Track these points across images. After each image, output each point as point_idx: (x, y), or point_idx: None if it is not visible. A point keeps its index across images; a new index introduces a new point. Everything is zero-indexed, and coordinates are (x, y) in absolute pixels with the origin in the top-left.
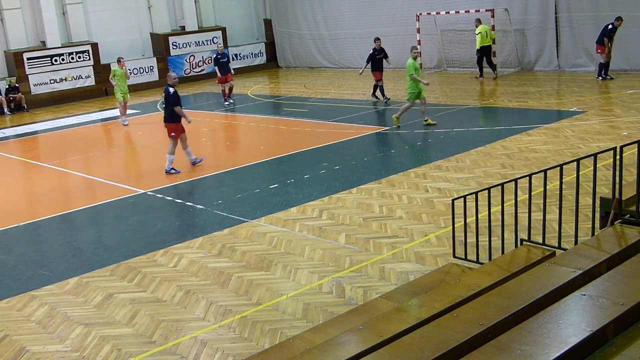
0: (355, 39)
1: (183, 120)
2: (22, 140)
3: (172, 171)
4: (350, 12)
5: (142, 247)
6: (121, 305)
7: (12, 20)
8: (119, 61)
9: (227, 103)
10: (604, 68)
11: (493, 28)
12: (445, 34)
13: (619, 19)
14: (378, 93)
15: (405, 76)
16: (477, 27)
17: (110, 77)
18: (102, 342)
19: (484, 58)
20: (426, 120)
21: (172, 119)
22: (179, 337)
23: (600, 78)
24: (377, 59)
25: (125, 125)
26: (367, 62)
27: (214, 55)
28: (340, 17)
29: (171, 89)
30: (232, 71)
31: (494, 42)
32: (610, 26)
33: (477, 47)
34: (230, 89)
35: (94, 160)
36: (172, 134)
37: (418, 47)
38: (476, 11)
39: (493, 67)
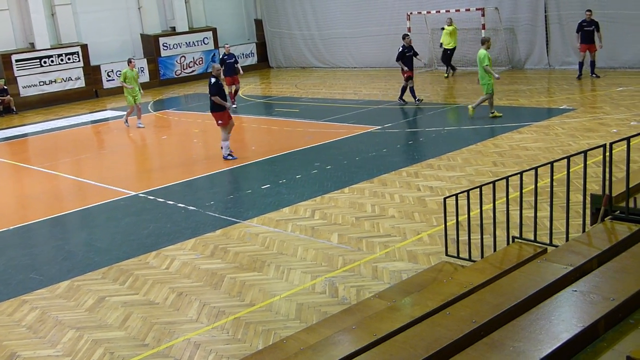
0: (346, 39)
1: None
2: (11, 143)
3: (229, 157)
4: (341, 12)
5: (134, 249)
6: (113, 309)
7: (0, 22)
8: (129, 62)
9: (234, 106)
10: (590, 65)
11: (483, 27)
12: (435, 33)
13: (587, 10)
14: (407, 95)
15: (478, 68)
16: (450, 25)
17: (121, 80)
18: (94, 346)
19: (448, 56)
20: (493, 113)
21: (216, 108)
22: (172, 339)
23: (593, 76)
24: (407, 56)
25: (127, 125)
26: (398, 60)
27: (221, 55)
28: (331, 16)
29: (212, 79)
30: (241, 71)
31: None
32: (582, 22)
33: (454, 45)
34: (236, 92)
35: (84, 162)
36: (219, 121)
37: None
38: (466, 10)
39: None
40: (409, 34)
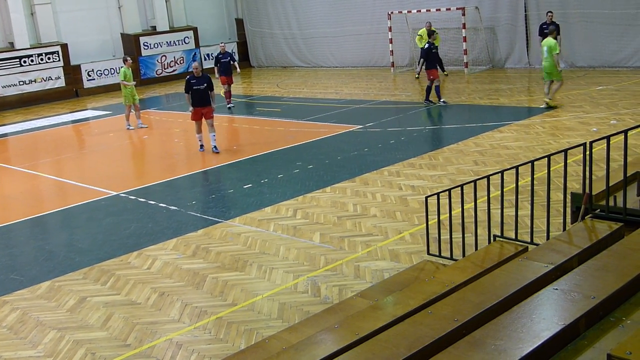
0: (327, 38)
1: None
2: None
3: (202, 149)
4: (322, 11)
5: (116, 249)
6: (95, 309)
7: None
8: (125, 60)
9: (229, 106)
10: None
11: (464, 26)
12: (417, 33)
13: (548, 12)
14: (433, 95)
15: (546, 57)
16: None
17: (122, 79)
18: (75, 347)
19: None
20: (548, 102)
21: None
22: (154, 339)
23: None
24: (433, 53)
25: (132, 129)
26: (423, 58)
27: (216, 54)
28: (312, 16)
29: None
30: (238, 69)
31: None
32: (543, 25)
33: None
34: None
35: (65, 162)
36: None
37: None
38: (447, 9)
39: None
40: (435, 30)
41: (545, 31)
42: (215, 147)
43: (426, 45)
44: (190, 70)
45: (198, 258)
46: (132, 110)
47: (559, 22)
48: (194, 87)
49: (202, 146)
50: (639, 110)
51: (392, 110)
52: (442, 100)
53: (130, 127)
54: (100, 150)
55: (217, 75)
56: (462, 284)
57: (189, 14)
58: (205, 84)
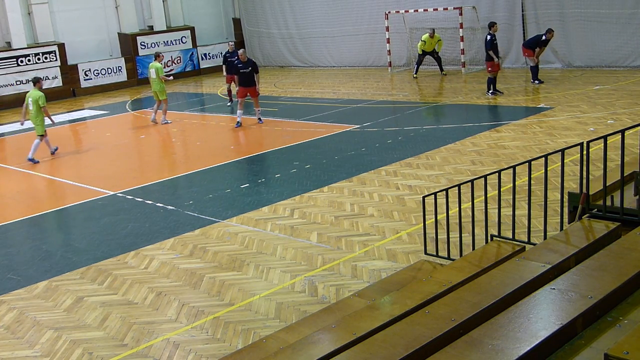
0: (325, 38)
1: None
2: None
3: (238, 126)
4: (319, 11)
5: (113, 249)
6: (92, 309)
7: None
8: (157, 56)
9: (229, 104)
10: (536, 72)
11: (461, 26)
12: (414, 32)
13: (551, 31)
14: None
15: None
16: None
17: (161, 74)
18: (72, 347)
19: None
20: None
21: None
22: (151, 339)
23: (537, 82)
24: (494, 44)
25: (169, 122)
26: (490, 50)
27: (224, 53)
28: (310, 16)
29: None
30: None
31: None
32: (543, 37)
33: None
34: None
35: (62, 162)
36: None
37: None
38: (444, 9)
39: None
40: (496, 22)
41: (542, 46)
42: (259, 119)
43: (488, 37)
44: (188, 69)
45: (195, 258)
46: (154, 105)
47: (556, 21)
48: (241, 71)
49: (238, 122)
50: (636, 110)
51: (389, 110)
52: (491, 92)
53: (168, 121)
54: (97, 150)
55: (225, 73)
56: (459, 283)
57: (186, 13)
58: (250, 68)
